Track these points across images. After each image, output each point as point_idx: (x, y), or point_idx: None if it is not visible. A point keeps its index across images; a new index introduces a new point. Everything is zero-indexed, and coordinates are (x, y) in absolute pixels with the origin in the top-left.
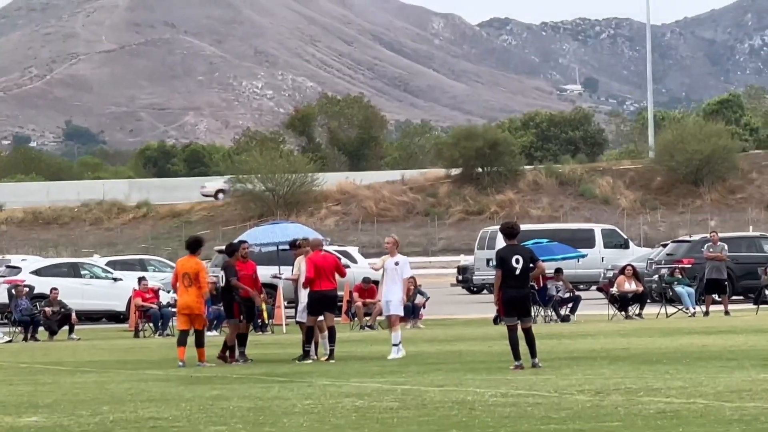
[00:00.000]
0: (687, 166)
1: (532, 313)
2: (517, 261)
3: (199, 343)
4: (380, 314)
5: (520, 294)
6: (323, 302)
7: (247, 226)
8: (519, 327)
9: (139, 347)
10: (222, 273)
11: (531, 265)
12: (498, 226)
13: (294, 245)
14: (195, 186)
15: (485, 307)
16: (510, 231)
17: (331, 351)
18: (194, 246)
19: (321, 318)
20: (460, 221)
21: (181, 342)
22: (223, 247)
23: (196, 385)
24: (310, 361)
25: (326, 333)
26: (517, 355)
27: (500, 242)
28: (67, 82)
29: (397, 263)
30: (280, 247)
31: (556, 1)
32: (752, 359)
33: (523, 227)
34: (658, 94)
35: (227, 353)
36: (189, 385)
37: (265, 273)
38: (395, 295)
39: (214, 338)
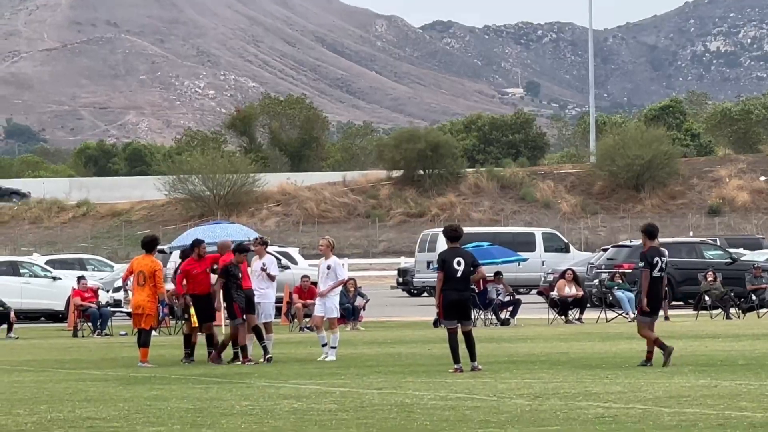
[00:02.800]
0: (628, 171)
1: (473, 317)
2: (459, 263)
3: (143, 343)
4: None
5: (461, 297)
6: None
7: (188, 225)
8: (459, 330)
9: (77, 347)
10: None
11: (472, 269)
12: (439, 229)
13: (241, 249)
14: (136, 185)
15: (425, 309)
16: (453, 234)
17: (264, 348)
18: (150, 245)
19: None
20: (401, 223)
21: (140, 342)
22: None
23: (134, 385)
24: (239, 363)
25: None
26: (456, 359)
27: (442, 245)
28: (8, 80)
29: (329, 266)
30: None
31: (499, 5)
32: (691, 365)
33: (464, 230)
34: (600, 98)
35: (238, 352)
36: (127, 385)
37: None
38: (329, 298)
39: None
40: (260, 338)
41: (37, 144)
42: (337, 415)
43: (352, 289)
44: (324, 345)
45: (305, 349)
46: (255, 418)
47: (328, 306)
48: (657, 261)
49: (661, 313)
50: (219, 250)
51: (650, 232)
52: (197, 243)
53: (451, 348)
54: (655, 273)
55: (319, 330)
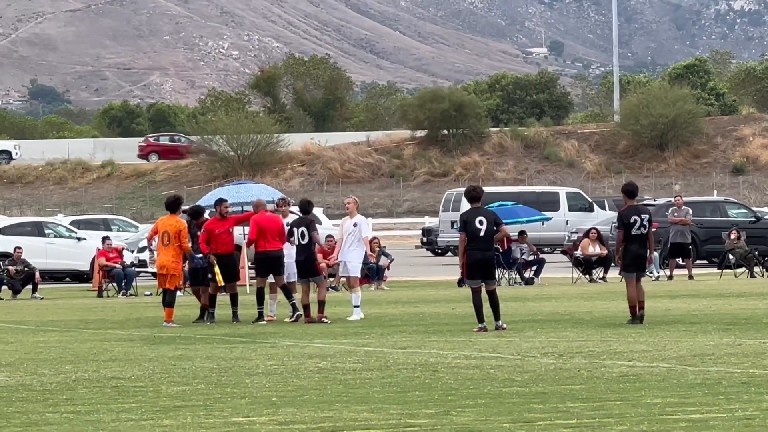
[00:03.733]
0: (652, 130)
1: (496, 276)
2: (481, 223)
3: (168, 303)
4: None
5: (484, 257)
6: (269, 262)
7: (212, 186)
8: (483, 289)
9: (102, 307)
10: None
11: (495, 228)
12: (463, 189)
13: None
14: None
15: (449, 269)
16: (473, 194)
17: (293, 305)
18: (174, 205)
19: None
20: (424, 183)
21: (165, 302)
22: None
23: (158, 345)
24: (263, 322)
25: (276, 294)
26: (480, 318)
27: (465, 205)
28: (32, 41)
29: (355, 224)
30: (245, 208)
31: None
32: (715, 323)
33: (488, 190)
34: (624, 58)
35: (309, 312)
36: (152, 345)
37: None
38: (353, 257)
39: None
40: (288, 296)
41: (62, 105)
42: (361, 374)
43: (377, 248)
44: (356, 306)
45: (329, 309)
46: (280, 377)
47: (351, 265)
48: (635, 220)
49: (686, 271)
50: (254, 209)
51: (630, 192)
52: (219, 202)
53: (475, 307)
54: (634, 231)
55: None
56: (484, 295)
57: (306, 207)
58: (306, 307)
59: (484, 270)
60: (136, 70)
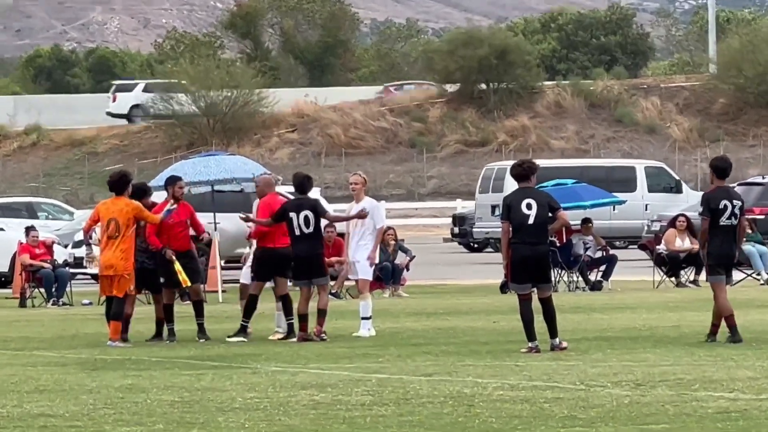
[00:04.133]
0: (759, 84)
1: (552, 279)
2: (529, 207)
3: (114, 314)
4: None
5: (534, 253)
6: (275, 263)
7: (173, 158)
8: (534, 297)
9: (26, 320)
10: None
11: (550, 214)
12: (508, 162)
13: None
14: (101, 105)
15: (489, 269)
16: (521, 171)
17: (290, 326)
18: (120, 184)
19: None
20: (456, 155)
21: (111, 314)
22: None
23: (102, 371)
24: (244, 340)
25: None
26: (531, 335)
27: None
28: None
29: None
30: (216, 188)
31: None
32: None
33: (541, 164)
34: None
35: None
36: (92, 372)
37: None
38: (363, 254)
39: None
40: (289, 311)
41: None
42: (372, 409)
43: (392, 242)
44: (366, 318)
45: (330, 323)
46: (263, 414)
47: (360, 265)
48: (725, 205)
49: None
50: (259, 190)
51: (720, 168)
52: (172, 181)
53: (523, 321)
54: (723, 221)
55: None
56: (536, 304)
57: (303, 184)
58: (303, 318)
59: (535, 271)
60: (71, 4)
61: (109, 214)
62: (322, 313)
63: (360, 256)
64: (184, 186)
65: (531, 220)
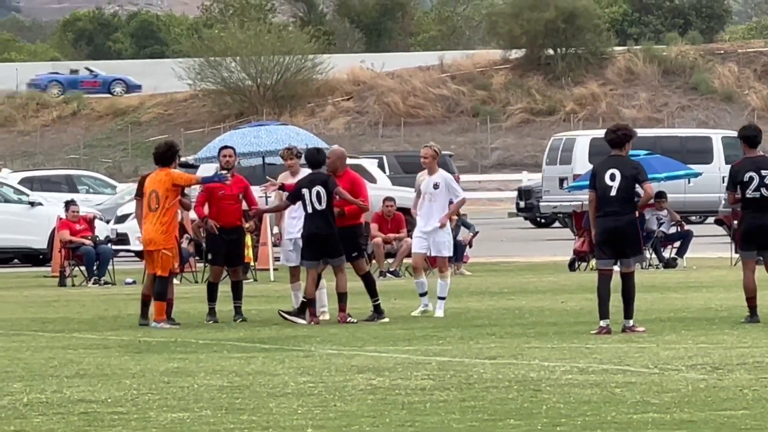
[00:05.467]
0: None
1: (639, 254)
2: (612, 178)
3: (158, 293)
4: (407, 255)
5: (616, 225)
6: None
7: (222, 129)
8: (615, 272)
9: (65, 300)
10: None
11: (635, 185)
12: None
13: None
14: (147, 72)
15: (557, 245)
16: (615, 137)
17: (376, 307)
18: (166, 156)
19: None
20: (522, 124)
21: (155, 293)
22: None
23: (146, 354)
24: (303, 322)
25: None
26: (603, 313)
27: (582, 153)
28: None
29: (436, 185)
30: (267, 160)
31: None
32: None
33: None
34: None
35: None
36: (136, 355)
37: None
38: (440, 230)
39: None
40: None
41: (7, 14)
42: (432, 394)
43: (455, 217)
44: (423, 294)
45: (388, 302)
46: (317, 399)
47: (438, 240)
48: (751, 177)
49: None
50: (330, 165)
51: (749, 137)
52: (223, 149)
53: (599, 297)
54: (750, 193)
55: (419, 273)
56: (615, 281)
57: (315, 157)
58: (311, 303)
59: (617, 244)
60: None
61: (151, 186)
62: (342, 297)
63: (434, 231)
64: (232, 155)
65: (613, 192)
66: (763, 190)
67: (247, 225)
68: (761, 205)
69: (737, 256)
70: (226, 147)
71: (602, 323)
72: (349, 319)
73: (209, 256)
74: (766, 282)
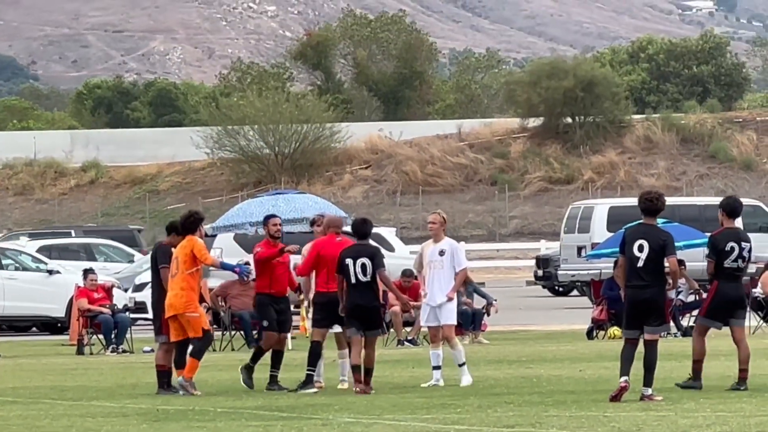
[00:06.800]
0: None
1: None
2: (641, 249)
3: (194, 352)
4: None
5: (644, 297)
6: (335, 310)
7: (239, 197)
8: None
9: (84, 368)
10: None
11: (662, 256)
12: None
13: (313, 223)
14: (165, 140)
15: (575, 314)
16: (649, 205)
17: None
18: (190, 225)
19: (337, 330)
20: (540, 193)
21: (191, 351)
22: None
23: (164, 422)
24: (313, 390)
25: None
26: (625, 371)
27: (600, 222)
28: None
29: (442, 251)
30: (285, 228)
31: None
32: None
33: (631, 202)
34: None
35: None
36: (155, 423)
37: None
38: (446, 298)
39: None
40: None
41: (26, 83)
42: None
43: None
44: (436, 368)
45: (405, 371)
46: None
47: (443, 309)
48: (732, 247)
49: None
50: (325, 229)
51: (730, 208)
52: (269, 218)
53: (622, 358)
54: (729, 263)
55: (436, 344)
56: (640, 349)
57: (362, 228)
58: (357, 369)
59: (643, 315)
60: (131, 33)
61: (175, 252)
62: (368, 372)
63: (440, 299)
64: (279, 224)
65: (640, 263)
66: (740, 262)
67: (301, 296)
68: (736, 276)
69: (755, 324)
70: (274, 216)
71: (622, 380)
72: (368, 391)
73: (265, 324)
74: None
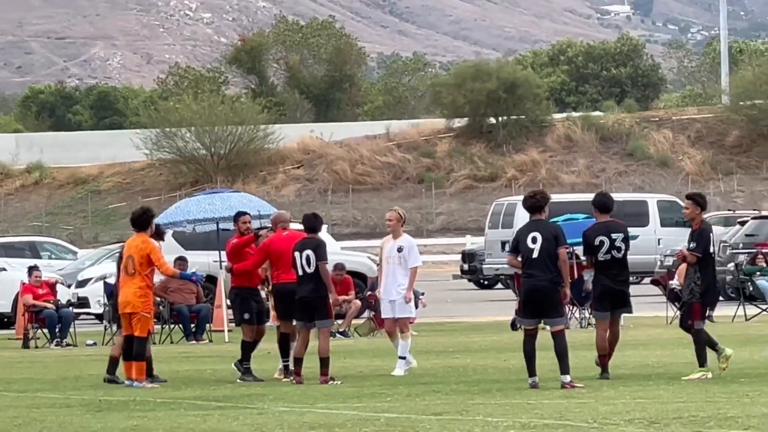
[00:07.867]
0: None
1: (563, 313)
2: (534, 241)
3: (136, 354)
4: (356, 316)
5: (538, 287)
6: (291, 298)
7: (177, 196)
8: (539, 332)
9: (29, 361)
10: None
11: (555, 247)
12: (518, 197)
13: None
14: (104, 142)
15: (499, 306)
16: (533, 202)
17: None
18: (140, 220)
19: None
20: (465, 190)
21: (126, 354)
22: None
23: (107, 412)
24: (285, 380)
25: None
26: (530, 370)
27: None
28: None
29: (401, 248)
30: (221, 226)
31: None
32: None
33: (552, 198)
34: (735, 18)
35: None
36: (97, 413)
37: (201, 260)
38: (401, 292)
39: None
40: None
41: None
42: None
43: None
44: (402, 357)
45: (338, 361)
46: None
47: (399, 303)
48: (601, 241)
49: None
50: (273, 224)
51: (600, 204)
52: (239, 216)
53: (525, 355)
54: (602, 256)
55: (394, 336)
56: (541, 340)
57: (312, 223)
58: (298, 362)
59: (540, 305)
60: (73, 40)
61: (128, 251)
62: (324, 362)
63: (396, 294)
64: (249, 221)
65: (535, 254)
66: (614, 252)
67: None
68: (612, 267)
69: (672, 314)
70: (244, 213)
71: (530, 380)
72: (331, 382)
73: (246, 316)
74: (719, 338)
